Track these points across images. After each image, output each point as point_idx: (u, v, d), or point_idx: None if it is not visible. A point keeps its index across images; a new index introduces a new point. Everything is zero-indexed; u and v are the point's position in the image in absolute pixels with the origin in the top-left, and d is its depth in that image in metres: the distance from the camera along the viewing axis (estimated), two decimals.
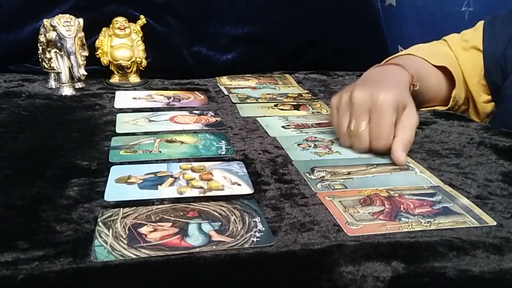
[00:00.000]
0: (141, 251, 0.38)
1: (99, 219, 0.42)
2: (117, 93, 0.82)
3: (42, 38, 0.80)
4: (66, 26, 0.76)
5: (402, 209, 0.46)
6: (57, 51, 0.79)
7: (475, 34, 0.79)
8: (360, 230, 0.42)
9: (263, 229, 0.42)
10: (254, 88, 0.89)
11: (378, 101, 0.56)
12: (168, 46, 0.93)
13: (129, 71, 0.87)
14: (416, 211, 0.46)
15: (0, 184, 0.48)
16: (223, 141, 0.62)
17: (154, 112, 0.73)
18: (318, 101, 0.82)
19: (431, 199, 0.49)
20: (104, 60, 0.86)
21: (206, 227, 0.42)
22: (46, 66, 0.81)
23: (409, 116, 0.58)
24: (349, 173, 0.54)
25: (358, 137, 0.59)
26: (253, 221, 0.43)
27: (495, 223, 0.44)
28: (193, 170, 0.53)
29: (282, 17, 1.00)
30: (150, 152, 0.58)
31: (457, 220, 0.45)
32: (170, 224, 0.42)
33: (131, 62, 0.86)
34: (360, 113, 0.58)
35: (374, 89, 0.58)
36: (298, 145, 0.62)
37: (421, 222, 0.44)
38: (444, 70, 0.77)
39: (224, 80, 0.94)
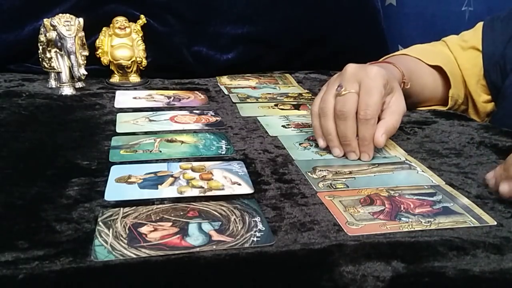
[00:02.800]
0: (141, 251, 0.38)
1: (99, 219, 0.42)
2: (117, 92, 0.82)
3: (42, 38, 0.80)
4: (66, 26, 0.76)
5: (402, 208, 0.46)
6: (57, 50, 0.79)
7: (474, 35, 0.79)
8: (360, 230, 0.42)
9: (263, 228, 0.42)
10: (254, 87, 0.89)
11: (370, 73, 0.55)
12: (168, 45, 0.93)
13: (129, 70, 0.87)
14: (416, 211, 0.46)
15: (0, 184, 0.48)
16: (223, 141, 0.62)
17: (154, 112, 0.73)
18: None
19: (431, 198, 0.49)
20: (104, 59, 0.86)
21: (206, 226, 0.42)
22: (46, 65, 0.81)
23: (397, 102, 0.58)
24: (350, 173, 0.54)
25: (344, 101, 0.54)
26: (253, 220, 0.43)
27: (495, 223, 0.44)
28: (193, 169, 0.53)
29: (282, 17, 1.00)
30: (150, 151, 0.58)
31: (457, 219, 0.45)
32: (170, 223, 0.42)
33: (131, 62, 0.86)
34: (351, 80, 0.55)
35: (366, 66, 0.57)
36: (300, 144, 0.62)
37: (421, 222, 0.44)
38: (439, 69, 0.77)
39: (224, 80, 0.94)
